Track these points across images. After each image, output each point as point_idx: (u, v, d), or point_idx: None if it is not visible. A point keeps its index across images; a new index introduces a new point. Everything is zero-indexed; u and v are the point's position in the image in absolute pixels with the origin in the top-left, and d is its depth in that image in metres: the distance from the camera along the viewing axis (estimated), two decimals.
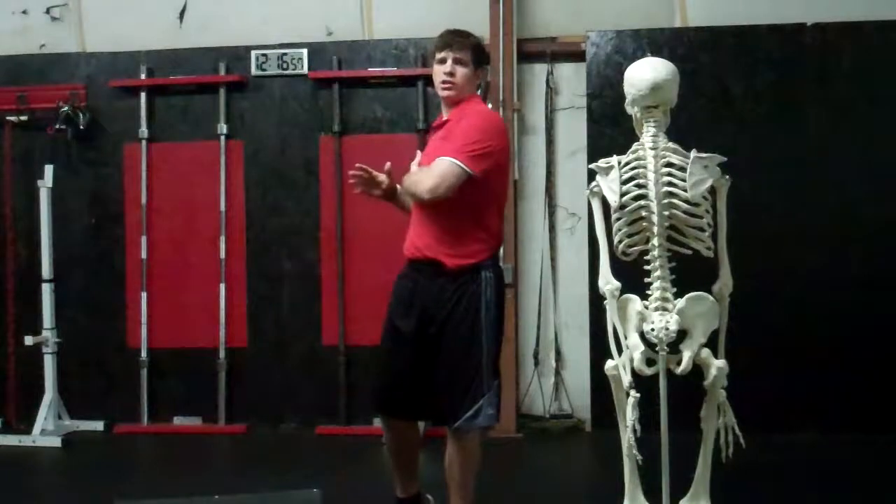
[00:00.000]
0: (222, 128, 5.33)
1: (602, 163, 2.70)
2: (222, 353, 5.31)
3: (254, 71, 5.33)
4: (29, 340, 5.12)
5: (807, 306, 4.89)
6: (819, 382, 4.86)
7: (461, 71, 3.17)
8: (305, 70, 5.28)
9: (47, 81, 5.44)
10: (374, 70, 5.25)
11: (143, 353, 5.36)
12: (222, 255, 5.32)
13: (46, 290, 5.23)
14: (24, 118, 5.38)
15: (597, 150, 4.72)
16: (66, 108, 5.26)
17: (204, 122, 5.38)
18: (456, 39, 3.22)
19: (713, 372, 2.53)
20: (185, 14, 5.48)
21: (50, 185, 5.24)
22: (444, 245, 3.12)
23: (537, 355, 5.23)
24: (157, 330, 5.39)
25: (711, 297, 2.60)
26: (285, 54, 5.29)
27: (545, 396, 5.24)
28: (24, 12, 5.56)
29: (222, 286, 5.32)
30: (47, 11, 5.54)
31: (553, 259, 5.28)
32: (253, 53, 5.31)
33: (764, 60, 5.02)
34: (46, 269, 5.24)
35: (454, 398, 3.09)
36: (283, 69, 5.30)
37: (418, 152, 3.29)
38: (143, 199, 5.39)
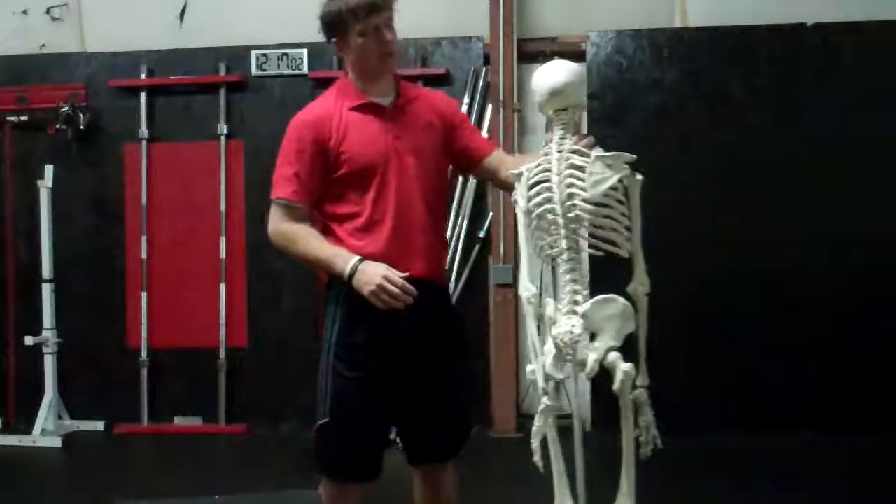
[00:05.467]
0: (222, 128, 5.33)
1: (514, 170, 2.64)
2: (222, 354, 5.31)
3: (254, 71, 5.33)
4: (29, 340, 5.12)
5: (807, 306, 4.88)
6: (819, 381, 4.87)
7: (395, 36, 2.59)
8: (305, 70, 5.28)
9: (47, 81, 5.44)
10: None
11: (143, 353, 5.36)
12: (222, 255, 5.32)
13: (46, 290, 5.23)
14: (24, 118, 5.38)
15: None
16: (66, 108, 5.26)
17: (204, 122, 5.38)
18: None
19: (619, 376, 2.44)
20: (185, 14, 5.48)
21: (50, 185, 5.24)
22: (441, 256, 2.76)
23: None
24: (157, 330, 5.39)
25: (623, 300, 2.49)
26: (285, 54, 5.29)
27: None
28: (24, 12, 5.56)
29: (222, 286, 5.32)
30: (47, 11, 5.53)
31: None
32: (253, 53, 5.31)
33: (764, 60, 5.02)
34: (46, 269, 5.25)
35: (455, 429, 2.78)
36: (283, 69, 5.30)
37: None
38: (143, 199, 5.39)
